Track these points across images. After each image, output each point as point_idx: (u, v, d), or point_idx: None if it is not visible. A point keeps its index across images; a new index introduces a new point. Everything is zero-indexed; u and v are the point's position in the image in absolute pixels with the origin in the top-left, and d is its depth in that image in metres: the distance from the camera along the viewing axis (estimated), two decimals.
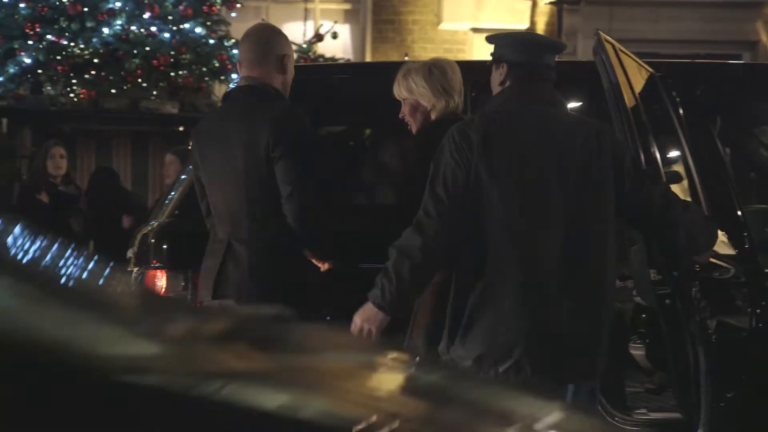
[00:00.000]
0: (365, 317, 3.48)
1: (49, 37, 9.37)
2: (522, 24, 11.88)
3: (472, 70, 4.37)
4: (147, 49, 9.39)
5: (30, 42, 9.37)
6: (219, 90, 10.04)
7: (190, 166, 4.15)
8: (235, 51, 9.46)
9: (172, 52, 9.44)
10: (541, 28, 11.95)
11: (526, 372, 3.39)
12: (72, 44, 9.39)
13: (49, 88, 9.72)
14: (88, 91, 9.55)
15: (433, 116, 4.05)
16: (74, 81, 9.57)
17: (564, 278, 3.42)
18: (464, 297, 3.45)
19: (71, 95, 9.64)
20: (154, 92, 9.66)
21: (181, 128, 10.04)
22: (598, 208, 3.48)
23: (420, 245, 3.40)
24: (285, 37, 4.11)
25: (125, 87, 9.57)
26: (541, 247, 3.43)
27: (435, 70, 4.05)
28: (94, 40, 9.38)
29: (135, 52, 9.35)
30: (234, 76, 9.21)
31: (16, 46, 9.43)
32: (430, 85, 4.03)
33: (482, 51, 12.03)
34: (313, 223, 3.85)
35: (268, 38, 4.03)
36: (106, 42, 9.37)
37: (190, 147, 4.12)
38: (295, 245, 3.84)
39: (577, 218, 3.45)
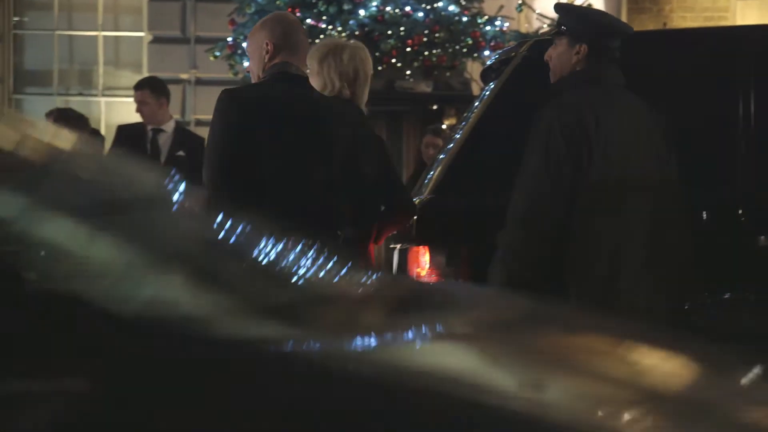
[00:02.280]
0: None
1: (308, 21, 9.63)
2: None
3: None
4: (401, 29, 9.48)
5: None
6: (472, 68, 10.01)
7: (230, 134, 3.74)
8: (488, 28, 9.43)
9: (426, 32, 9.50)
10: None
11: None
12: (330, 27, 9.61)
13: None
14: None
15: None
16: None
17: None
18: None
19: None
20: (408, 72, 9.75)
21: (434, 107, 10.08)
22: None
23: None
24: None
25: (381, 68, 9.71)
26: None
27: (330, 54, 4.16)
28: (351, 22, 9.57)
29: (390, 33, 9.47)
30: (487, 53, 9.19)
31: None
32: (319, 68, 4.16)
33: (746, 18, 11.40)
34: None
35: None
36: (362, 24, 9.54)
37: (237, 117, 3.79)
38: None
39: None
